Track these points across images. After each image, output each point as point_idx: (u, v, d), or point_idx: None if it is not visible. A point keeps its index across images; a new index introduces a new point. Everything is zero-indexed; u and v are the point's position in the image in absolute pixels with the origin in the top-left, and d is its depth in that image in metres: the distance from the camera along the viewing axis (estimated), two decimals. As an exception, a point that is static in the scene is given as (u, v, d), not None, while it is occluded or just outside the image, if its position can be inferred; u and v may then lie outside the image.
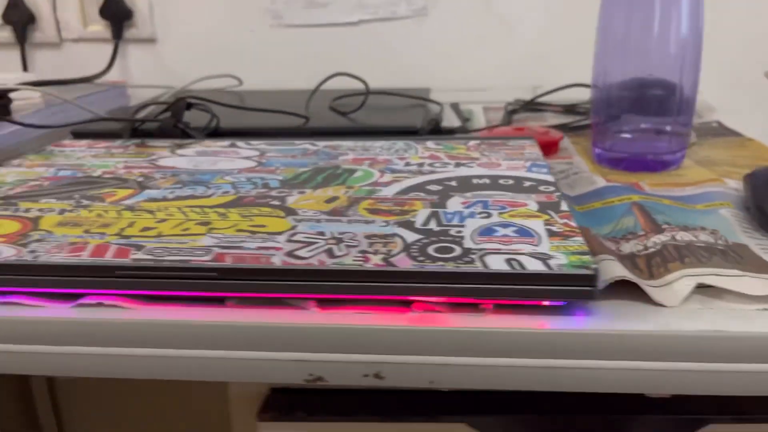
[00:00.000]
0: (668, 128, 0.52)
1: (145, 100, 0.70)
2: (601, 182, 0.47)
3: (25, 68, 0.91)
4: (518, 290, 0.29)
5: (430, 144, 0.51)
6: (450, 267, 0.30)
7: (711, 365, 0.29)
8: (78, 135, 0.65)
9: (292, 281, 0.30)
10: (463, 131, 0.65)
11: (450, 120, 0.69)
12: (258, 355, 0.30)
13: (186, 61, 0.91)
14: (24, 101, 0.68)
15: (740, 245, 0.35)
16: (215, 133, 0.61)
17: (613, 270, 0.31)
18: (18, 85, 0.66)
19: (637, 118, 0.52)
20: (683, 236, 0.36)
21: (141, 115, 0.64)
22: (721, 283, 0.31)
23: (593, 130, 0.55)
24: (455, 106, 0.76)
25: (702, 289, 0.32)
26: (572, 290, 0.29)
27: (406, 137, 0.58)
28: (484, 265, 0.30)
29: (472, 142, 0.51)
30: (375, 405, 0.35)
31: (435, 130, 0.63)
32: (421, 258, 0.30)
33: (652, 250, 0.35)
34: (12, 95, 0.64)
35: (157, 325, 0.31)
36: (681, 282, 0.31)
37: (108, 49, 0.90)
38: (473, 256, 0.30)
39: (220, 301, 0.32)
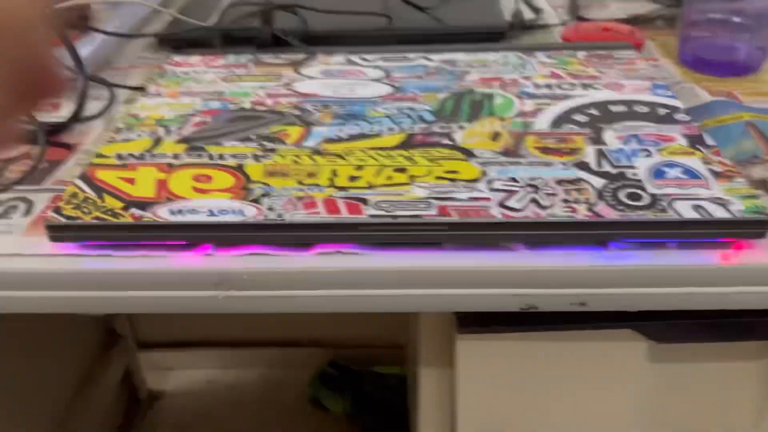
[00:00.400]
0: (752, 27, 0.55)
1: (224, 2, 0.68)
2: (704, 95, 0.52)
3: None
4: (705, 233, 0.35)
5: (541, 58, 0.54)
6: (650, 216, 0.35)
7: None
8: (164, 42, 0.64)
9: (511, 231, 0.36)
10: (542, 26, 0.67)
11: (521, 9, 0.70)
12: (483, 292, 0.36)
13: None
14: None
15: None
16: (305, 38, 0.62)
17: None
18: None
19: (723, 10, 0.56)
20: (803, 162, 0.42)
21: (227, 19, 0.64)
22: None
23: (682, 27, 0.58)
24: (517, -10, 0.76)
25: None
26: (746, 231, 0.35)
27: (495, 38, 0.61)
28: (677, 213, 0.35)
29: (580, 55, 0.54)
30: (548, 316, 0.42)
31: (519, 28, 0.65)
32: (620, 207, 0.36)
33: (782, 177, 0.41)
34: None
35: (392, 270, 0.36)
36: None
37: None
38: (663, 204, 0.36)
39: (437, 243, 0.37)
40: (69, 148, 0.48)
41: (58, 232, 0.36)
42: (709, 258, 0.36)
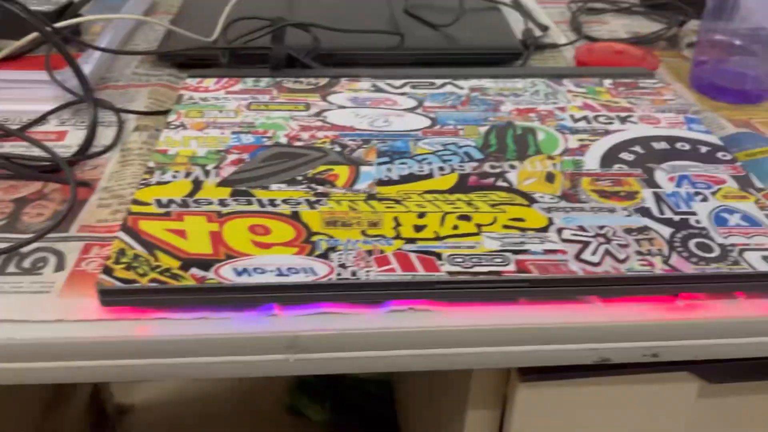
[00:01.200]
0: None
1: (227, 15, 0.64)
2: (729, 127, 0.53)
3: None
4: (774, 284, 0.36)
5: (569, 86, 0.53)
6: (725, 269, 0.35)
7: None
8: (162, 58, 0.61)
9: (590, 286, 0.35)
10: (552, 46, 0.66)
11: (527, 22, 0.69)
12: (561, 348, 0.36)
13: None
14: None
15: None
16: (317, 57, 0.60)
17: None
18: (99, 16, 0.60)
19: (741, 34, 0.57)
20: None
21: (232, 35, 0.60)
22: None
23: (697, 53, 0.59)
24: (517, 5, 0.76)
25: None
26: (814, 282, 0.36)
27: (510, 59, 0.60)
28: (749, 264, 0.36)
29: (607, 83, 0.54)
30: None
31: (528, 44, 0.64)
32: (694, 259, 0.36)
33: (824, 218, 0.42)
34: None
35: (469, 330, 0.35)
36: None
37: None
38: (734, 255, 0.36)
39: (512, 297, 0.36)
40: (89, 186, 0.44)
41: (111, 297, 0.33)
42: (777, 307, 0.36)
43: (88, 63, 0.54)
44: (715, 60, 0.59)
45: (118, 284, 0.33)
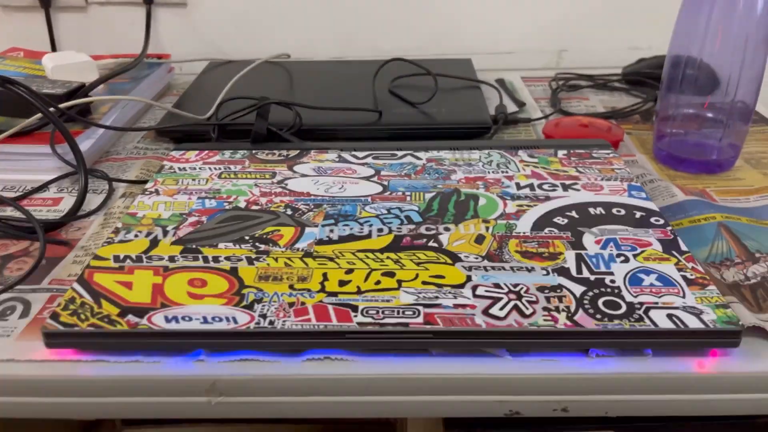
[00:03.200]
0: (728, 124, 0.58)
1: (222, 97, 0.71)
2: (679, 195, 0.54)
3: (51, 33, 0.89)
4: (678, 343, 0.37)
5: (524, 156, 0.57)
6: (627, 326, 0.37)
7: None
8: (162, 133, 0.67)
9: (495, 339, 0.37)
10: (525, 120, 0.70)
11: (505, 103, 0.73)
12: (469, 399, 0.37)
13: (218, 25, 0.90)
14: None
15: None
16: (299, 131, 0.65)
17: (743, 314, 0.39)
18: (99, 98, 0.67)
19: (701, 105, 0.59)
20: (774, 265, 0.44)
21: (223, 113, 0.67)
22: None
23: (657, 123, 0.61)
24: (501, 84, 0.80)
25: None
26: (721, 341, 0.37)
27: (481, 132, 0.64)
28: (653, 322, 0.37)
29: (560, 154, 0.57)
30: (534, 420, 0.43)
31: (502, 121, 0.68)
32: (598, 316, 0.37)
33: (753, 281, 0.43)
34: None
35: (381, 378, 0.37)
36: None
37: (135, 12, 0.89)
38: (639, 312, 0.38)
39: (424, 350, 0.38)
40: (67, 244, 0.49)
41: (54, 339, 0.37)
42: (686, 366, 0.37)
43: (90, 138, 0.61)
44: (674, 131, 0.61)
45: (61, 328, 0.37)
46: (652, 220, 0.47)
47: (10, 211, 0.54)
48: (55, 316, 0.38)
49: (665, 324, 0.37)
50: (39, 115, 0.58)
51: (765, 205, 0.53)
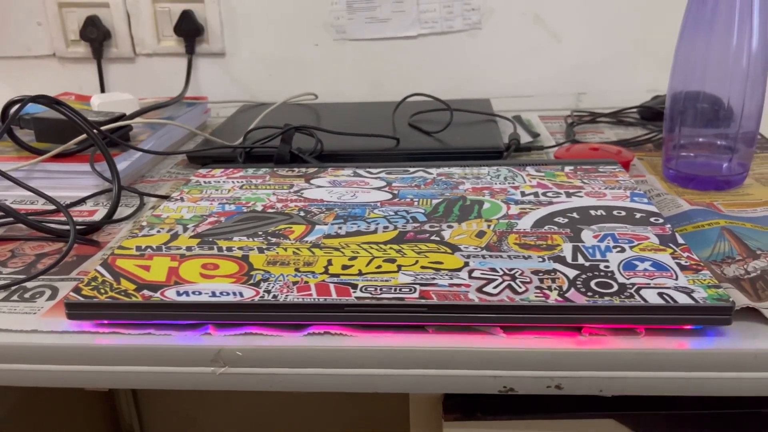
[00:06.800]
0: (735, 149, 0.59)
1: (251, 126, 0.76)
2: (685, 205, 0.55)
3: (101, 80, 0.97)
4: (670, 319, 0.38)
5: (531, 171, 0.59)
6: (617, 302, 0.38)
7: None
8: (193, 159, 0.71)
9: (487, 314, 0.38)
10: (538, 148, 0.72)
11: (519, 133, 0.76)
12: (464, 373, 0.38)
13: (253, 72, 0.97)
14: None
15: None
16: (320, 156, 0.69)
17: (738, 298, 0.40)
18: (134, 120, 0.73)
19: (707, 135, 0.60)
20: (775, 261, 0.45)
21: (250, 138, 0.71)
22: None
23: (665, 149, 0.63)
24: (518, 119, 0.83)
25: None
26: (712, 318, 0.37)
27: (493, 157, 0.66)
28: (643, 299, 0.38)
29: (567, 169, 0.59)
30: (533, 403, 0.43)
31: (515, 148, 0.71)
32: (590, 293, 0.38)
33: (753, 275, 0.44)
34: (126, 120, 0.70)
35: (378, 351, 0.39)
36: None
37: (178, 62, 0.96)
38: (630, 290, 0.39)
39: (421, 327, 0.40)
40: (97, 245, 0.53)
41: (74, 310, 0.40)
42: (678, 343, 0.38)
43: (126, 161, 0.66)
44: (687, 155, 0.62)
45: (81, 299, 0.40)
46: (652, 219, 0.48)
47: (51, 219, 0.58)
48: (77, 290, 0.41)
49: (656, 301, 0.38)
50: (82, 136, 0.63)
51: (772, 214, 0.54)
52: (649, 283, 0.39)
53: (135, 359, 0.40)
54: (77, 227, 0.54)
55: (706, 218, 0.52)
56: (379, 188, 0.56)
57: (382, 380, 0.39)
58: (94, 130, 0.62)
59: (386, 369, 0.39)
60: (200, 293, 0.40)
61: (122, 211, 0.60)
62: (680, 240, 0.45)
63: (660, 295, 0.38)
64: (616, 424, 0.42)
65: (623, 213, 0.49)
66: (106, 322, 0.41)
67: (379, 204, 0.53)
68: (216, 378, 0.39)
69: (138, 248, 0.47)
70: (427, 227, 0.48)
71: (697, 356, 0.37)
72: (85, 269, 0.49)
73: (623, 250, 0.44)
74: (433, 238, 0.46)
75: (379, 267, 0.42)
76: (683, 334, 0.38)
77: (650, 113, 0.81)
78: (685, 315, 0.37)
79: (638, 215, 0.49)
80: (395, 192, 0.55)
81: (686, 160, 0.62)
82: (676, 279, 0.40)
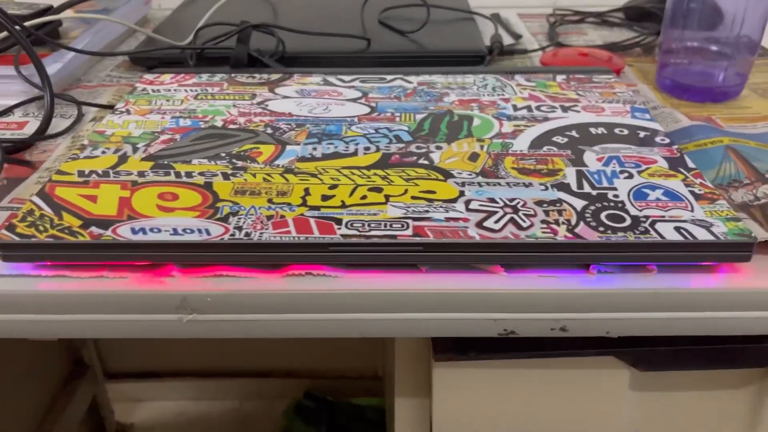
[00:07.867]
0: (732, 56, 0.55)
1: (201, 23, 0.67)
2: (684, 120, 0.51)
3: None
4: (687, 256, 0.34)
5: (520, 80, 0.53)
6: (632, 238, 0.34)
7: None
8: (136, 61, 0.63)
9: (489, 252, 0.34)
10: (521, 51, 0.67)
11: (501, 34, 0.70)
12: (461, 316, 0.35)
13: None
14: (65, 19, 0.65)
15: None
16: (282, 58, 0.61)
17: (757, 231, 0.37)
18: (64, 15, 0.63)
19: (708, 39, 0.55)
20: (785, 186, 0.42)
21: (201, 37, 0.63)
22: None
23: (661, 55, 0.58)
24: (497, 18, 0.76)
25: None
26: (732, 255, 0.34)
27: (475, 62, 0.61)
28: (659, 234, 0.34)
29: (559, 78, 0.54)
30: (528, 342, 0.40)
31: (498, 52, 0.65)
32: (601, 228, 0.35)
33: (764, 201, 0.41)
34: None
35: (366, 293, 0.34)
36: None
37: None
38: (645, 225, 0.35)
39: (413, 266, 0.36)
40: (31, 165, 0.46)
41: (10, 251, 0.34)
42: (694, 282, 0.35)
43: (58, 62, 0.57)
44: (677, 62, 0.58)
45: (17, 239, 0.34)
46: (657, 139, 0.44)
47: (-29, 135, 0.50)
48: (11, 228, 0.35)
49: (673, 237, 0.34)
50: (3, 34, 0.54)
51: (774, 130, 0.50)
52: (663, 216, 0.36)
53: (87, 306, 0.34)
54: (4, 144, 0.47)
55: (708, 135, 0.49)
56: (354, 99, 0.50)
57: (370, 325, 0.35)
58: (16, 26, 0.53)
59: (375, 313, 0.35)
60: (159, 230, 0.35)
61: (57, 123, 0.52)
62: (690, 163, 0.41)
63: (677, 229, 0.35)
64: (615, 360, 0.40)
65: (625, 131, 0.45)
66: (48, 263, 0.35)
67: (356, 119, 0.47)
68: (183, 326, 0.35)
69: (80, 173, 0.40)
70: (413, 148, 0.43)
71: (711, 295, 0.35)
72: (18, 196, 0.42)
73: (631, 176, 0.40)
74: (421, 161, 0.41)
75: (364, 197, 0.37)
76: (696, 270, 0.36)
77: (637, 13, 0.75)
78: (704, 252, 0.34)
79: (642, 134, 0.45)
80: (373, 105, 0.49)
81: (682, 67, 0.58)
82: (692, 211, 0.36)
